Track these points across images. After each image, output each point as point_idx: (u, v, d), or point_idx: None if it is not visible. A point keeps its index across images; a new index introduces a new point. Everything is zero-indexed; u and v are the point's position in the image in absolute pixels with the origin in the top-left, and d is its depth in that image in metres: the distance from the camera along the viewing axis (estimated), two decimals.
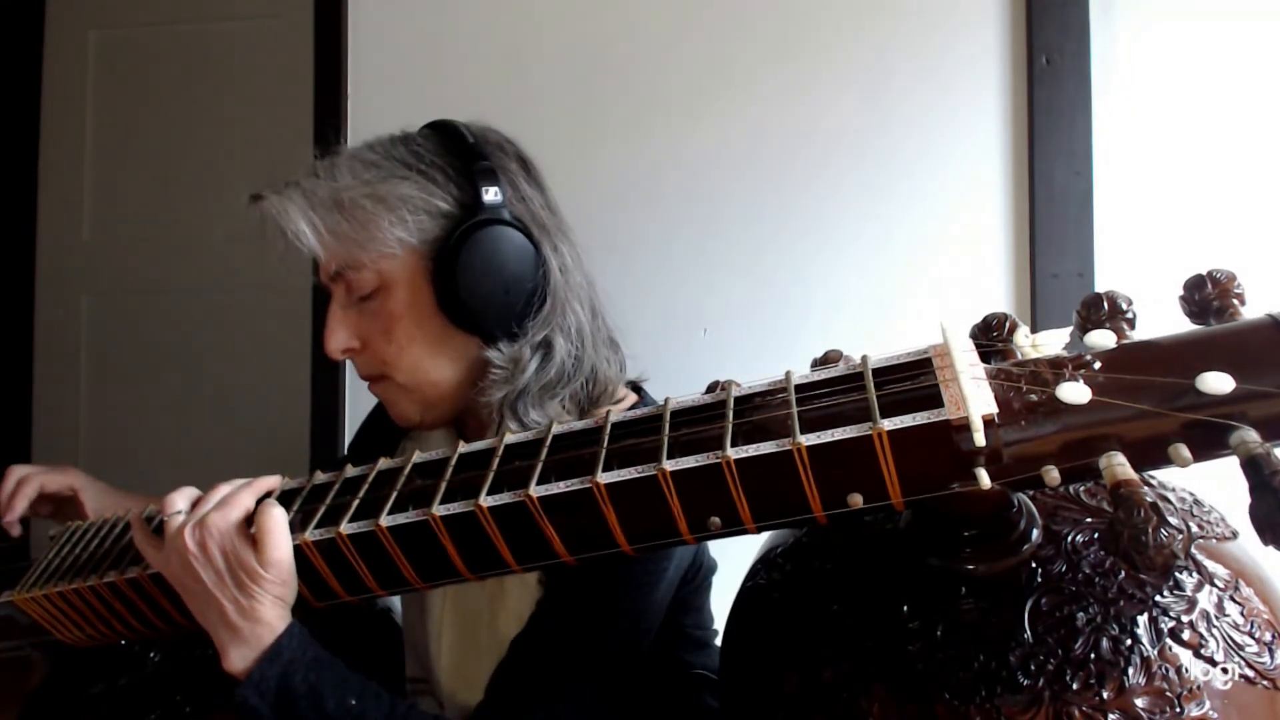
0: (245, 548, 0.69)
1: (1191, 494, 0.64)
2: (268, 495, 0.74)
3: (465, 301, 0.87)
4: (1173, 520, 0.43)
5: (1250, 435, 0.44)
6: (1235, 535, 0.61)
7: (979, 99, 1.53)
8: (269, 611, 0.70)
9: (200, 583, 0.70)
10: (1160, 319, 0.55)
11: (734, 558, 0.81)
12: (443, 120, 0.95)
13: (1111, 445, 0.48)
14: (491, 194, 0.87)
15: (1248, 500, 0.42)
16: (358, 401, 1.83)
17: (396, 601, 1.18)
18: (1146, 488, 0.45)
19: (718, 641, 0.98)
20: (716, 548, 0.99)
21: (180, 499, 0.74)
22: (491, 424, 0.92)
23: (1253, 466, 0.43)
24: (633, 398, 1.00)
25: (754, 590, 0.69)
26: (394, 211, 0.85)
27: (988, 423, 0.48)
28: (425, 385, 0.91)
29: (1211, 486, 0.61)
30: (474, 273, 0.86)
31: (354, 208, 0.85)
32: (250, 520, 0.71)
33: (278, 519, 0.69)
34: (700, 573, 1.01)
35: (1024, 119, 1.52)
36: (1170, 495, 0.62)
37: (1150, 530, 0.42)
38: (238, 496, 0.72)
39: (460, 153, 0.89)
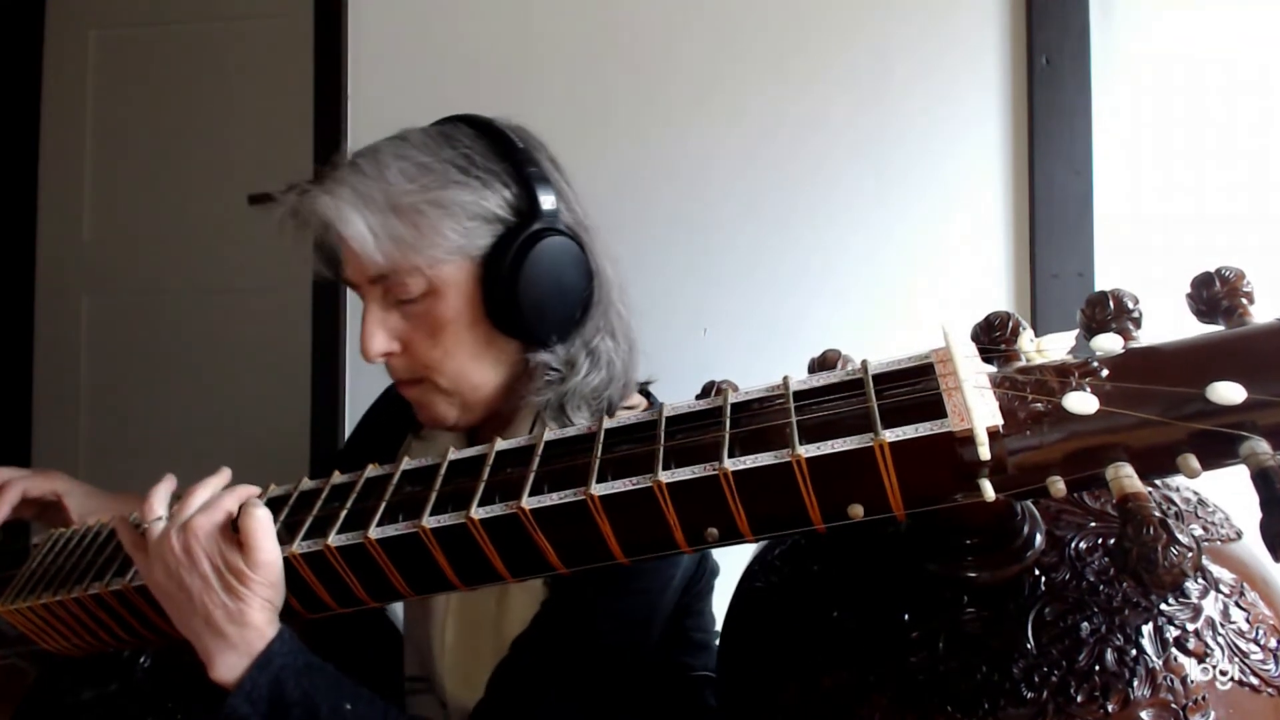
0: (231, 550, 0.67)
1: (1196, 494, 0.63)
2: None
3: (519, 310, 0.86)
4: (1182, 537, 0.42)
5: (1261, 446, 0.43)
6: (1240, 536, 0.60)
7: (979, 99, 1.52)
8: (258, 615, 0.68)
9: (185, 589, 0.68)
10: (1165, 320, 0.54)
11: (735, 559, 0.80)
12: (477, 117, 0.93)
13: (1118, 455, 0.47)
14: (549, 202, 0.88)
15: (1258, 515, 0.41)
16: (357, 401, 1.83)
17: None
18: (1152, 490, 0.44)
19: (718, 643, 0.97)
20: (717, 550, 0.99)
21: (159, 504, 0.73)
22: (516, 426, 0.92)
23: (1263, 479, 0.41)
24: (642, 401, 0.99)
25: (751, 594, 0.69)
26: (454, 218, 0.85)
27: (992, 434, 0.47)
28: (467, 389, 0.91)
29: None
30: (531, 282, 0.86)
31: (413, 213, 0.84)
32: (235, 524, 0.69)
33: (261, 520, 0.67)
34: (704, 577, 1.01)
35: (1024, 119, 1.51)
36: (1174, 496, 0.61)
37: (1160, 549, 0.41)
38: (220, 499, 0.70)
39: (509, 156, 0.89)
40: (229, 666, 0.68)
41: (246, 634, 0.68)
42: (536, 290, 0.86)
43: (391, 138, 0.90)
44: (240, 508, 0.69)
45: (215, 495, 0.71)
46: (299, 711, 0.68)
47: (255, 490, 0.74)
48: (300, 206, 0.86)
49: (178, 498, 0.74)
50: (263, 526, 0.67)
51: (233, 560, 0.67)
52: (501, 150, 0.89)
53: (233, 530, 0.69)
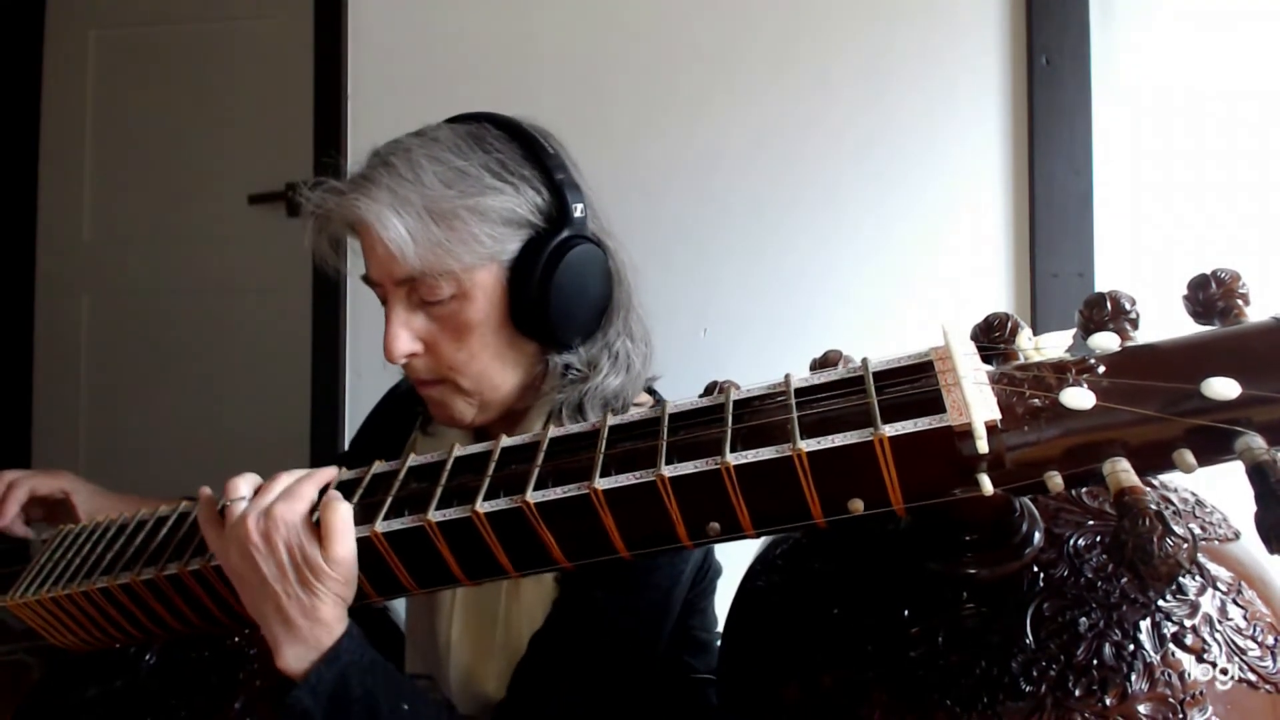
0: (311, 543, 0.66)
1: (1194, 494, 0.63)
2: (327, 487, 0.71)
3: (547, 316, 0.87)
4: (1178, 529, 0.42)
5: (1256, 441, 0.44)
6: (1238, 536, 0.60)
7: (979, 99, 1.53)
8: (330, 611, 0.67)
9: (259, 575, 0.67)
10: (1164, 319, 0.55)
11: (736, 558, 0.81)
12: (501, 117, 0.93)
13: (1115, 450, 0.47)
14: (578, 209, 0.88)
15: (1254, 508, 0.42)
16: (357, 401, 1.83)
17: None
18: (1149, 490, 0.45)
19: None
20: (717, 548, 0.99)
21: (244, 484, 0.71)
22: (528, 424, 0.93)
23: (1258, 474, 0.42)
24: (649, 399, 1.00)
25: (753, 593, 0.69)
26: (490, 225, 0.85)
27: (991, 429, 0.48)
28: (488, 389, 0.91)
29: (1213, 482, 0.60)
30: (560, 289, 0.86)
31: (451, 219, 0.84)
32: (314, 512, 0.68)
33: (343, 514, 0.66)
34: (708, 575, 1.02)
35: (1024, 119, 1.51)
36: (1172, 496, 0.62)
37: (1155, 540, 0.42)
38: (301, 488, 0.69)
39: (539, 162, 0.89)
40: (295, 658, 0.68)
41: (316, 630, 0.67)
42: (564, 297, 0.87)
43: (420, 136, 0.90)
44: (323, 501, 0.68)
45: (296, 483, 0.70)
46: (359, 709, 0.68)
47: (334, 472, 0.72)
48: (332, 206, 0.85)
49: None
50: (345, 521, 0.66)
51: (311, 554, 0.66)
52: (531, 155, 0.89)
53: (312, 520, 0.68)
